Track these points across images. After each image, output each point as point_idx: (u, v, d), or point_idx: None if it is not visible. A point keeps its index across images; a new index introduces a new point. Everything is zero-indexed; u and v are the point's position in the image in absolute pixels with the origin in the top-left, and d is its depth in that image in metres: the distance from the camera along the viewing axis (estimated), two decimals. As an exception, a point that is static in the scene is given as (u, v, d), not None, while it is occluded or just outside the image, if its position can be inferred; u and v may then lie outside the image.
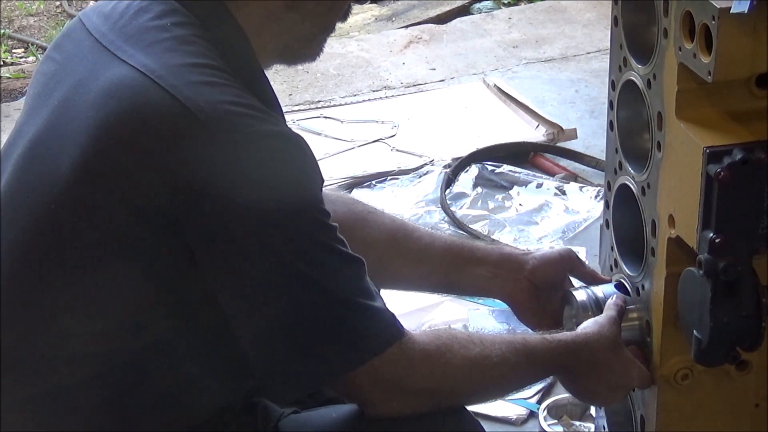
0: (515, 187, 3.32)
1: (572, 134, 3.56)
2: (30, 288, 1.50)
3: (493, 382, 1.66)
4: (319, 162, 1.57)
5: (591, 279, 1.92)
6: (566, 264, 1.93)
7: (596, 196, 3.23)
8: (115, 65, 1.49)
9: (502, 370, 1.63)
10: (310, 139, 3.98)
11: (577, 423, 2.40)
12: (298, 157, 1.50)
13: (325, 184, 1.56)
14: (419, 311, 2.76)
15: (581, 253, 3.01)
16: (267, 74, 1.60)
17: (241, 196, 1.44)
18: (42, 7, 4.91)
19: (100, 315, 1.49)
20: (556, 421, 2.40)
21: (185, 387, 1.55)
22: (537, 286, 1.91)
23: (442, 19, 4.65)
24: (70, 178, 1.47)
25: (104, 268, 1.48)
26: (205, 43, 1.51)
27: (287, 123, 1.58)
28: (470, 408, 1.71)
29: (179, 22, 1.52)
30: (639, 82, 1.73)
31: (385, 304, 1.56)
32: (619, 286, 1.85)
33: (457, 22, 4.55)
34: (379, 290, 1.58)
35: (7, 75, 4.28)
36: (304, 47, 1.65)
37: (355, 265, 1.54)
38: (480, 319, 2.73)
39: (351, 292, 1.52)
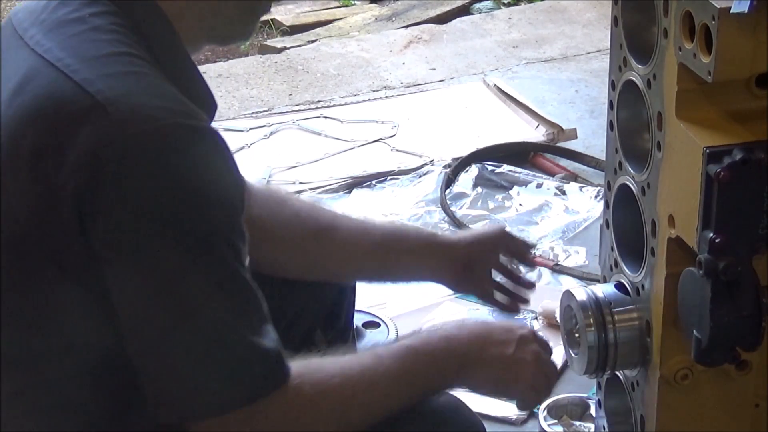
0: (515, 187, 3.32)
1: (572, 134, 3.56)
2: (7, 286, 1.49)
3: (385, 395, 1.57)
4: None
5: (522, 258, 2.04)
6: (497, 243, 2.02)
7: (596, 196, 3.23)
8: (31, 60, 1.47)
9: (390, 378, 1.57)
10: (311, 139, 4.01)
11: (577, 423, 2.39)
12: (212, 155, 1.42)
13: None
14: (419, 311, 2.76)
15: (581, 253, 3.01)
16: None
17: (142, 196, 1.37)
18: (42, 7, 4.91)
19: (76, 315, 1.46)
20: (556, 421, 2.40)
21: None
22: (469, 266, 1.99)
23: (442, 19, 4.66)
24: None
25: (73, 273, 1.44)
26: (126, 31, 1.48)
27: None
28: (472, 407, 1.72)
29: (97, 12, 1.49)
30: (639, 82, 1.73)
31: (275, 341, 1.46)
32: (619, 286, 1.85)
33: (457, 22, 4.55)
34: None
35: (7, 75, 4.28)
36: (230, 28, 1.59)
37: (251, 295, 1.44)
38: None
39: (241, 326, 1.43)
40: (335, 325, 2.00)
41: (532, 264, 2.16)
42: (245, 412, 1.44)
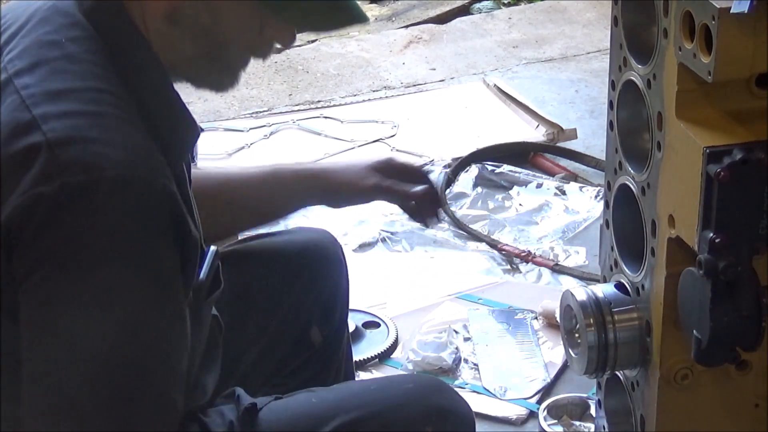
0: (515, 187, 3.32)
1: (572, 134, 3.57)
2: None
3: None
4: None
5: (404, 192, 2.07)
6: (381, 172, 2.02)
7: (596, 196, 3.24)
8: (2, 78, 1.45)
9: None
10: (311, 139, 4.01)
11: (577, 423, 2.40)
12: (148, 213, 1.38)
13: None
14: (419, 311, 2.77)
15: (581, 253, 3.01)
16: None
17: (64, 248, 1.35)
18: (42, 7, 4.91)
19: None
20: (556, 421, 2.40)
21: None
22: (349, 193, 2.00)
23: (442, 19, 4.66)
24: None
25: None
26: (100, 59, 1.45)
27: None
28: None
29: (75, 38, 1.46)
30: (639, 82, 1.73)
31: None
32: (619, 286, 1.85)
33: (457, 22, 4.56)
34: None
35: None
36: (191, 70, 1.55)
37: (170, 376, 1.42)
38: (480, 319, 2.73)
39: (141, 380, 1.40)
40: (330, 322, 2.00)
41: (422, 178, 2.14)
42: None
